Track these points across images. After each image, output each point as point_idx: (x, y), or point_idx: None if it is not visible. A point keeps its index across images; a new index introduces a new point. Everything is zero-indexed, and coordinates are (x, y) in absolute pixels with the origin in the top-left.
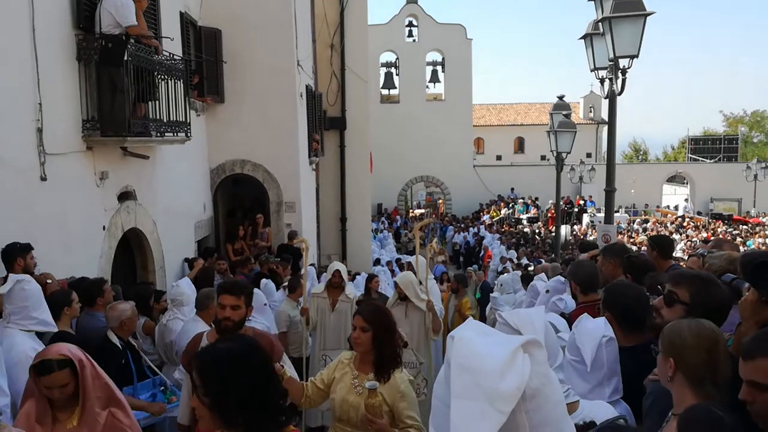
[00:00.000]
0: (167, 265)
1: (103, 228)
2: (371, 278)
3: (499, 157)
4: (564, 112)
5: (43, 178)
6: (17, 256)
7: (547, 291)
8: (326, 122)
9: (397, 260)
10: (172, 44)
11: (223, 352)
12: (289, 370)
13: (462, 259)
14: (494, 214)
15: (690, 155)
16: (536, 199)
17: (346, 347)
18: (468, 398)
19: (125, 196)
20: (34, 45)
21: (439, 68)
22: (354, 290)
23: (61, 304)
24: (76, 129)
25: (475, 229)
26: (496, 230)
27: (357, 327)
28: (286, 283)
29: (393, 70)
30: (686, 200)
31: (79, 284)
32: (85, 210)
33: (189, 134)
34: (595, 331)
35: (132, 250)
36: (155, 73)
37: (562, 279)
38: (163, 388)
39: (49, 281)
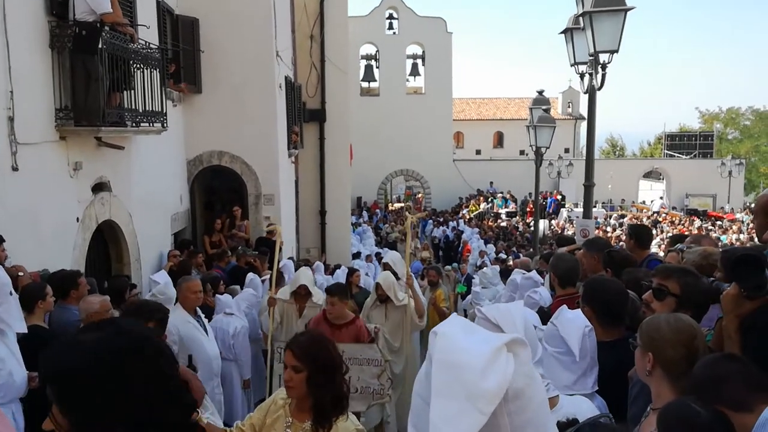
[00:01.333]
0: (143, 258)
1: (77, 220)
2: (352, 272)
3: (478, 152)
4: (543, 107)
5: (15, 169)
6: None
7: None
8: (306, 114)
9: (377, 254)
10: (148, 32)
11: (90, 347)
12: (210, 416)
13: (441, 253)
14: (473, 208)
15: (666, 151)
16: (528, 195)
17: None
18: (448, 397)
19: (100, 187)
20: (5, 31)
21: (419, 61)
22: (322, 295)
23: (34, 298)
24: (48, 118)
25: (455, 224)
26: (475, 224)
27: (288, 366)
28: (266, 277)
29: (373, 62)
30: (661, 197)
31: (54, 277)
32: (58, 201)
33: (165, 124)
34: (578, 320)
35: (107, 242)
36: (130, 62)
37: (531, 274)
38: None
39: (20, 274)
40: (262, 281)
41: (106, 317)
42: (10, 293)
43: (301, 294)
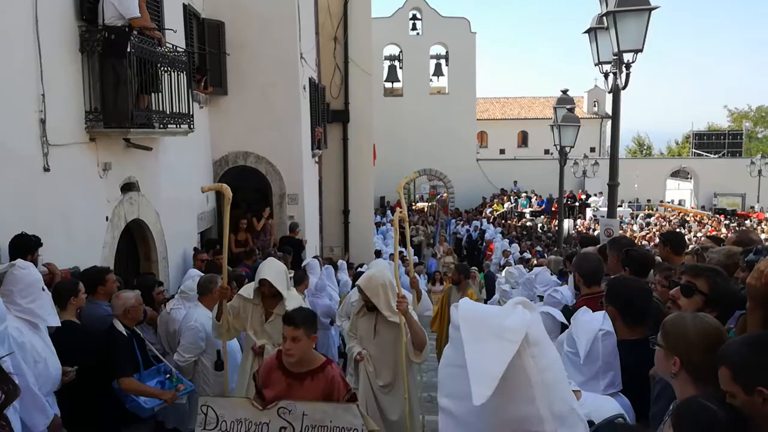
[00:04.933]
0: (170, 256)
1: (107, 219)
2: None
3: (502, 151)
4: (568, 106)
5: (46, 169)
6: (28, 251)
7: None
8: (329, 115)
9: (400, 253)
10: (175, 36)
11: None
12: None
13: (465, 252)
14: (497, 207)
15: (694, 150)
16: (553, 195)
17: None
18: (479, 341)
19: (128, 187)
20: (37, 36)
21: (442, 61)
22: (299, 302)
23: (67, 294)
24: (79, 120)
25: (478, 223)
26: (498, 224)
27: None
28: (290, 276)
29: (396, 63)
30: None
31: (83, 273)
32: (88, 201)
33: (192, 126)
34: (592, 323)
35: (135, 240)
36: (158, 65)
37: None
38: (168, 375)
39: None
40: (290, 278)
41: (140, 310)
42: (43, 289)
43: (266, 294)
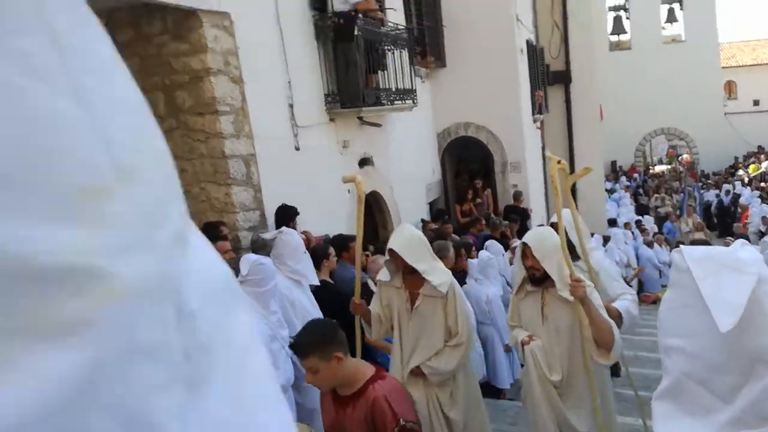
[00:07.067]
0: None
1: (348, 192)
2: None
3: (756, 102)
4: None
5: (297, 148)
6: (290, 219)
7: None
8: (549, 77)
9: (637, 222)
10: (395, 14)
11: None
12: None
13: (715, 221)
14: (754, 168)
15: None
16: None
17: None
18: (715, 276)
19: (364, 162)
20: (280, 30)
21: (676, 6)
22: (446, 278)
23: (321, 257)
24: (320, 103)
25: (730, 186)
26: (756, 186)
27: None
28: (515, 245)
29: (622, 13)
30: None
31: (333, 240)
32: (332, 176)
33: (416, 101)
34: None
35: (372, 211)
36: (382, 44)
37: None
38: None
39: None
40: (511, 250)
41: None
42: (304, 252)
43: (405, 270)
